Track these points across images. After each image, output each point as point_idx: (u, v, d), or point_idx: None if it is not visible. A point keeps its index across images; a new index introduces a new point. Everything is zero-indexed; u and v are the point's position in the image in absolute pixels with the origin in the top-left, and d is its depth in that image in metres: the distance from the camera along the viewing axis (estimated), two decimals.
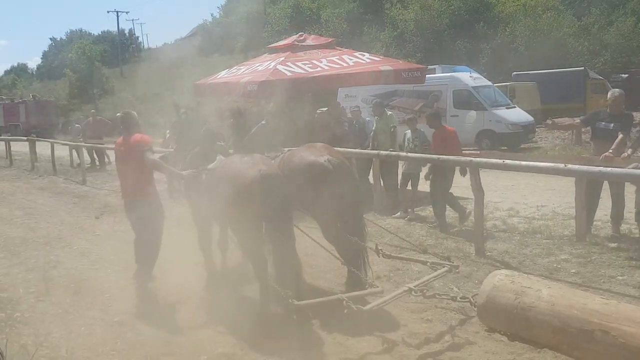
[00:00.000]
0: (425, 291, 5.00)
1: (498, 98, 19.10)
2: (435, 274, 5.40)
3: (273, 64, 10.10)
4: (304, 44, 10.93)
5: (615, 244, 6.92)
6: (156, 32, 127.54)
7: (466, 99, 18.21)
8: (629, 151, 6.95)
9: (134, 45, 75.32)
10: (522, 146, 17.81)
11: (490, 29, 34.63)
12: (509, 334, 4.57)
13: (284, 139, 7.30)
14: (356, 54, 10.95)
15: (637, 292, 5.45)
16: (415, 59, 30.12)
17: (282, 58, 10.29)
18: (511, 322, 4.54)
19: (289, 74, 9.61)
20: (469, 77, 18.87)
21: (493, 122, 17.73)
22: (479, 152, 13.21)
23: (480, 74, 21.08)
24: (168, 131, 14.28)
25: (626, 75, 28.01)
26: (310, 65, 9.96)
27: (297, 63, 10.02)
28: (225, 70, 12.14)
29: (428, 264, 5.71)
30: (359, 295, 4.84)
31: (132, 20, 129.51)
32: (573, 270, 6.16)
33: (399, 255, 6.18)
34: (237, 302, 5.49)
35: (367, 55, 11.09)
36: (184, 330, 5.05)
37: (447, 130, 8.77)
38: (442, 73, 19.34)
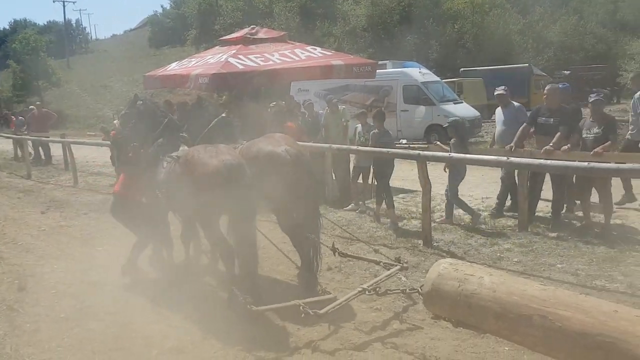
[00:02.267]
0: (378, 289, 5.08)
1: (446, 93, 19.56)
2: (387, 273, 5.48)
3: (225, 56, 10.00)
4: (256, 37, 10.84)
5: (555, 233, 7.23)
6: (104, 23, 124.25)
7: (415, 94, 18.57)
8: (568, 145, 7.26)
9: (81, 36, 73.26)
10: (469, 140, 18.23)
11: (439, 26, 35.34)
12: (454, 320, 4.71)
13: (238, 132, 7.30)
14: (308, 48, 10.95)
15: (574, 279, 5.71)
16: (367, 54, 30.44)
17: (234, 51, 10.19)
18: (455, 308, 4.68)
19: (240, 67, 9.53)
20: (418, 73, 19.25)
21: (441, 116, 18.11)
22: (427, 145, 13.45)
23: (430, 70, 21.53)
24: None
25: (568, 71, 29.05)
26: (262, 59, 9.91)
27: (249, 56, 9.94)
28: (176, 62, 11.95)
29: (381, 264, 5.79)
30: (314, 301, 4.87)
31: (80, 10, 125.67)
32: (515, 259, 6.40)
33: (354, 255, 6.30)
34: (189, 295, 5.47)
35: (319, 49, 11.12)
36: (134, 324, 4.97)
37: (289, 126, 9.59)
38: (393, 68, 19.59)
